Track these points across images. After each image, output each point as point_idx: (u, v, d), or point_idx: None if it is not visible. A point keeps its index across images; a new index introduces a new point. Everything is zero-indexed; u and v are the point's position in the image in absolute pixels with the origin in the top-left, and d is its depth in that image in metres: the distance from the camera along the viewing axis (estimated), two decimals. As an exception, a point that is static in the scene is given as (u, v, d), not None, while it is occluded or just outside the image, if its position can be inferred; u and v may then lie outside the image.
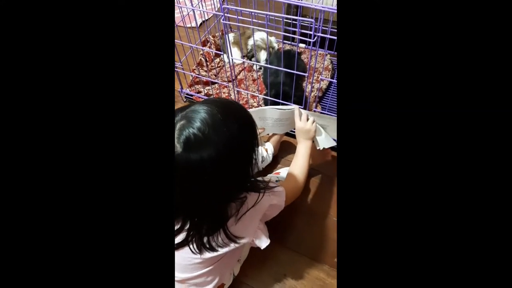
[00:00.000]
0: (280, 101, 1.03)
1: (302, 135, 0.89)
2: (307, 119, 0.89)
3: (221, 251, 0.63)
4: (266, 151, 1.07)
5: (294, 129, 0.93)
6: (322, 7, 0.77)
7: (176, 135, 0.50)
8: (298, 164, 0.87)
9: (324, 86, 1.26)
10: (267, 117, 0.96)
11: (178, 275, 0.67)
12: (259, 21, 1.29)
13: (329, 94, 1.28)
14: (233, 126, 0.54)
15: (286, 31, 1.35)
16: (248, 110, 0.97)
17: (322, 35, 0.83)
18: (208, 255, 0.63)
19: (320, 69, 1.33)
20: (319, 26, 0.83)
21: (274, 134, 1.10)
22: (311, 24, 0.78)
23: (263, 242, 0.68)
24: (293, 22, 1.31)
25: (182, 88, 1.29)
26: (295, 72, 0.93)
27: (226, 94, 1.28)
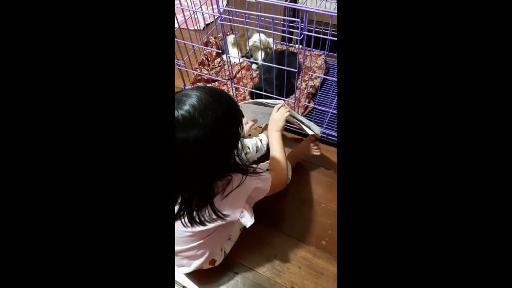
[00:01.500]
0: (270, 94, 1.12)
1: (272, 125, 0.94)
2: (284, 113, 0.94)
3: (210, 225, 0.70)
4: (261, 141, 1.13)
5: None
6: (306, 7, 0.84)
7: None
8: (275, 156, 0.92)
9: (317, 84, 1.33)
10: (258, 111, 1.04)
11: (171, 247, 0.75)
12: (260, 23, 1.37)
13: (322, 91, 1.35)
14: (219, 110, 0.61)
15: (284, 32, 1.42)
16: (241, 102, 1.05)
17: (308, 33, 0.91)
18: (198, 228, 0.70)
19: (314, 68, 1.40)
20: (305, 25, 0.90)
21: (267, 126, 1.18)
22: (297, 24, 0.86)
23: (248, 221, 0.74)
24: (289, 23, 1.38)
25: (185, 85, 1.38)
26: (285, 68, 1.01)
27: (226, 91, 1.36)
